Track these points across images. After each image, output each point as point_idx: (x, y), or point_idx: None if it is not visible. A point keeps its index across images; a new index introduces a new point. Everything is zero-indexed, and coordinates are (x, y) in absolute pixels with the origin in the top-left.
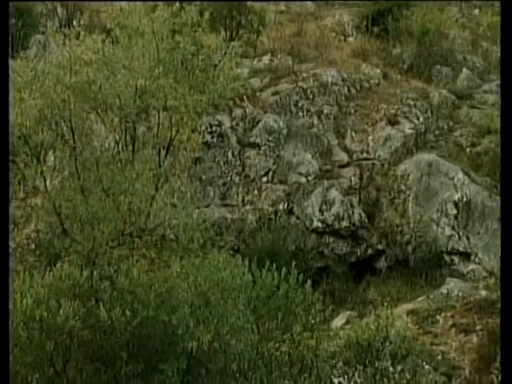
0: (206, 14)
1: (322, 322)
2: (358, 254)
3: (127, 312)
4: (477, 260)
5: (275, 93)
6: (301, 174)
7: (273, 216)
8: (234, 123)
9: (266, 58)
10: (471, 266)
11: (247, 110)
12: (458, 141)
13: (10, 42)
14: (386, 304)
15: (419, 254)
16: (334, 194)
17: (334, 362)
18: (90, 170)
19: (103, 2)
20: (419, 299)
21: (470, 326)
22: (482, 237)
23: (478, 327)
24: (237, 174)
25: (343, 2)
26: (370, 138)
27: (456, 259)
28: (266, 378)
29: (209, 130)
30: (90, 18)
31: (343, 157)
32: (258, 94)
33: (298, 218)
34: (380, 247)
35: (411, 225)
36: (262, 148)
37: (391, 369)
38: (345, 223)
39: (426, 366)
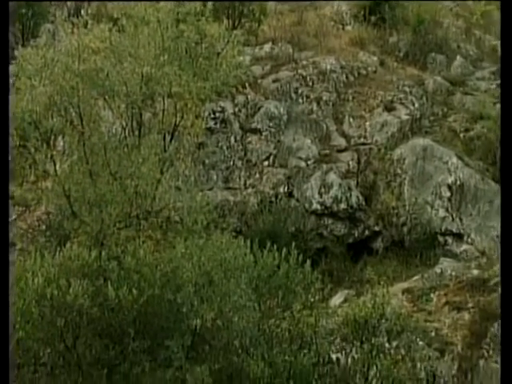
0: (209, 4)
1: (321, 301)
2: (356, 235)
3: (134, 291)
4: (469, 240)
5: (276, 80)
6: (300, 158)
7: (274, 199)
8: (236, 109)
9: (267, 47)
10: (464, 247)
11: (249, 96)
12: (451, 126)
13: (21, 30)
14: (382, 283)
15: (414, 235)
16: (333, 177)
17: (332, 338)
18: (98, 154)
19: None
20: (414, 278)
21: (463, 303)
22: (474, 218)
23: (470, 305)
24: (239, 159)
25: None
26: (368, 123)
27: (449, 240)
28: (267, 353)
29: (212, 116)
30: (97, 7)
31: (341, 142)
32: (259, 81)
33: (297, 200)
34: (377, 228)
35: (407, 207)
36: (264, 133)
37: (387, 345)
38: (343, 205)
39: (420, 342)
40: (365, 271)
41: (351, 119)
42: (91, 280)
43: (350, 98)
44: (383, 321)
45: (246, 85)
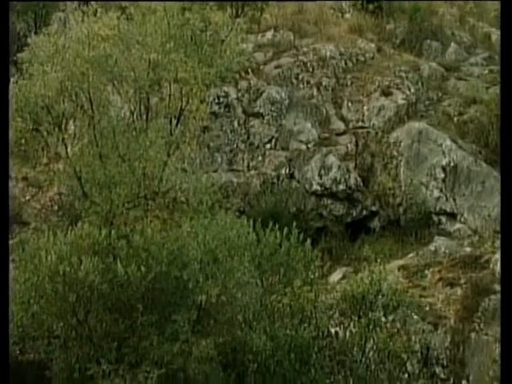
0: None
1: (321, 277)
2: (354, 214)
3: (142, 268)
4: (462, 220)
5: (278, 66)
6: (301, 141)
7: (275, 180)
8: (239, 94)
9: (269, 34)
10: (457, 225)
11: (252, 82)
12: (446, 110)
13: (33, 19)
14: (379, 260)
15: (410, 215)
16: (332, 159)
17: (331, 313)
18: (108, 137)
19: None
20: (409, 256)
21: (456, 279)
22: (467, 198)
23: (463, 281)
24: (242, 142)
25: None
26: (365, 107)
27: (443, 219)
28: (269, 327)
29: (216, 100)
30: None
31: (340, 125)
32: (261, 67)
33: (298, 181)
34: (374, 208)
35: (402, 188)
36: (266, 117)
37: (383, 319)
38: (341, 186)
39: (415, 316)
40: (362, 249)
41: (350, 104)
42: (101, 257)
43: (349, 83)
44: (380, 296)
45: (249, 71)
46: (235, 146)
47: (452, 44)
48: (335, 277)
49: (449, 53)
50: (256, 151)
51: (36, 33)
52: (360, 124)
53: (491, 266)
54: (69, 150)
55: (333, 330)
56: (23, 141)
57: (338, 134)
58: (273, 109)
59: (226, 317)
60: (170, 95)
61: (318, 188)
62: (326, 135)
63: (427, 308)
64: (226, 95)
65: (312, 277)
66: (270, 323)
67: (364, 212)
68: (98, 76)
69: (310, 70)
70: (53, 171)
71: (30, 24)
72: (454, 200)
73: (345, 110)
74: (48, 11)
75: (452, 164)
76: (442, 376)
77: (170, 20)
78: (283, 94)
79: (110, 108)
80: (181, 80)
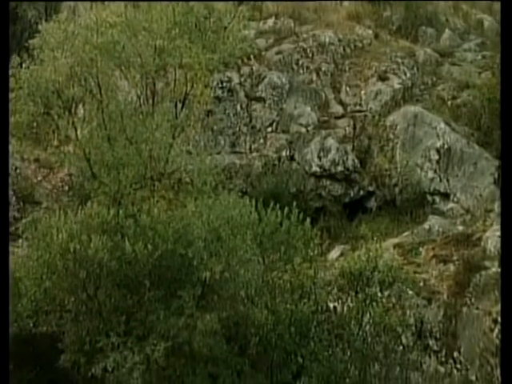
0: None
1: (320, 255)
2: (352, 195)
3: (149, 246)
4: (455, 199)
5: (279, 52)
6: (301, 124)
7: (276, 162)
8: (242, 79)
9: (270, 21)
10: (450, 205)
11: (254, 67)
12: (440, 94)
13: (44, 6)
14: (375, 238)
15: (405, 195)
16: (331, 142)
17: (329, 288)
18: (115, 121)
19: None
20: (404, 234)
21: (448, 256)
22: (460, 179)
23: (455, 258)
24: (244, 125)
25: None
26: (363, 92)
27: (437, 199)
28: (270, 302)
29: (219, 85)
30: None
31: (339, 109)
32: (263, 53)
33: (298, 163)
34: (371, 189)
35: (398, 169)
36: (267, 102)
37: (379, 294)
38: (340, 168)
39: (410, 292)
40: (359, 228)
41: (348, 88)
42: (110, 236)
43: (347, 68)
44: (376, 272)
45: (251, 57)
46: (238, 129)
47: (446, 30)
48: (333, 254)
49: (443, 39)
50: (258, 134)
51: (47, 20)
52: (358, 108)
53: (482, 243)
54: (78, 132)
55: (331, 305)
56: (35, 124)
57: (337, 118)
58: (274, 93)
59: (229, 292)
60: (175, 80)
61: (318, 169)
62: (325, 119)
63: (421, 284)
64: (229, 80)
65: (311, 254)
66: (271, 298)
67: (361, 192)
68: (106, 61)
69: (310, 55)
70: (63, 153)
71: (41, 11)
72: (448, 180)
73: (343, 95)
74: None
75: (446, 146)
76: (435, 348)
77: (175, 7)
78: (284, 79)
79: (118, 92)
80: (185, 65)
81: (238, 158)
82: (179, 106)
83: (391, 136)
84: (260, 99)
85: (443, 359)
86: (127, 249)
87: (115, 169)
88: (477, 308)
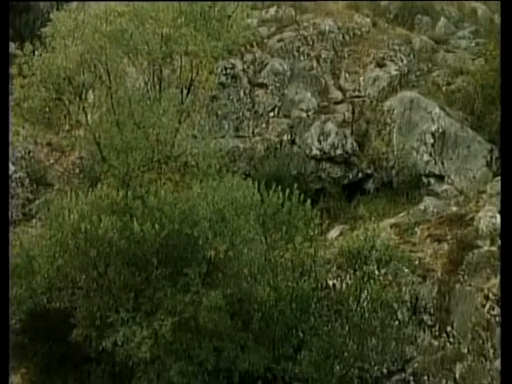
0: None
1: (320, 234)
2: (350, 177)
3: (156, 226)
4: (449, 181)
5: (280, 40)
6: (302, 109)
7: (278, 145)
8: (245, 66)
9: (272, 10)
10: (444, 187)
11: (256, 54)
12: (435, 80)
13: None
14: (373, 219)
15: (401, 177)
16: (330, 126)
17: (329, 266)
18: (124, 106)
19: None
20: (401, 214)
21: (443, 236)
22: (454, 162)
23: (449, 237)
24: (247, 110)
25: None
26: (361, 78)
27: (432, 181)
28: (272, 280)
29: (224, 72)
30: None
31: (338, 95)
32: (265, 40)
33: (299, 147)
34: (369, 171)
35: (395, 152)
36: (269, 87)
37: (376, 272)
38: (339, 151)
39: (406, 270)
40: (358, 209)
41: (347, 74)
42: (119, 216)
43: (346, 55)
44: (373, 251)
45: (254, 44)
46: (241, 113)
47: (441, 19)
48: (333, 234)
49: (438, 27)
50: (260, 119)
51: (58, 9)
52: (356, 93)
53: (475, 223)
54: (89, 117)
55: (330, 282)
56: (47, 109)
57: (336, 103)
58: (276, 79)
59: (233, 270)
60: (181, 67)
61: (318, 152)
62: (325, 104)
63: (416, 262)
64: (233, 67)
65: (312, 234)
66: (273, 276)
67: (359, 175)
68: (115, 49)
69: (310, 43)
70: (74, 137)
71: (53, 1)
72: (442, 163)
73: (342, 81)
74: None
75: (440, 130)
76: (429, 323)
77: None
78: (285, 66)
79: (126, 79)
80: (191, 53)
81: (241, 141)
82: (185, 91)
83: (388, 120)
84: (262, 85)
85: (437, 333)
86: (135, 229)
87: (124, 152)
88: (469, 285)
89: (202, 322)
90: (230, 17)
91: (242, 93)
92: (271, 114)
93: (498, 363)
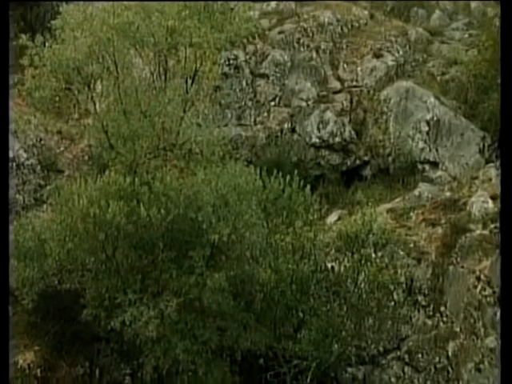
0: None
1: (319, 219)
2: (348, 164)
3: (162, 211)
4: (443, 168)
5: (281, 32)
6: (302, 99)
7: (279, 133)
8: (247, 57)
9: (273, 3)
10: (439, 173)
11: (258, 46)
12: (430, 71)
13: None
14: (370, 204)
15: (397, 164)
16: (329, 115)
17: (328, 250)
18: (131, 95)
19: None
20: (397, 200)
21: (437, 220)
22: (448, 149)
23: (443, 221)
24: (249, 99)
25: None
26: (359, 68)
27: (427, 167)
28: (273, 262)
29: (227, 62)
30: None
31: (336, 85)
32: (266, 32)
33: (299, 135)
34: (366, 158)
35: (391, 140)
36: (270, 78)
37: (373, 255)
38: (337, 139)
39: (401, 252)
40: (355, 194)
41: (345, 65)
42: (126, 201)
43: (344, 46)
44: (370, 235)
45: (256, 36)
46: (243, 103)
47: (436, 11)
48: (331, 218)
49: (433, 19)
50: (262, 108)
51: (67, 2)
52: (354, 83)
53: (468, 208)
54: (97, 106)
55: (329, 265)
56: (57, 98)
57: (335, 93)
58: (277, 70)
59: (235, 253)
60: (185, 58)
61: (317, 140)
62: (324, 93)
63: (412, 245)
64: (236, 58)
65: (311, 218)
66: (275, 259)
67: (357, 161)
68: (122, 41)
69: (310, 35)
70: (83, 125)
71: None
72: (437, 150)
73: (341, 71)
74: None
75: (435, 118)
76: (424, 303)
77: None
78: (286, 57)
79: (133, 69)
80: (195, 44)
81: (243, 130)
82: (189, 81)
83: (385, 109)
84: (264, 75)
85: (431, 313)
86: (142, 213)
87: (131, 140)
88: (462, 267)
89: (206, 303)
90: (232, 9)
91: (244, 83)
92: (272, 104)
93: (488, 341)
